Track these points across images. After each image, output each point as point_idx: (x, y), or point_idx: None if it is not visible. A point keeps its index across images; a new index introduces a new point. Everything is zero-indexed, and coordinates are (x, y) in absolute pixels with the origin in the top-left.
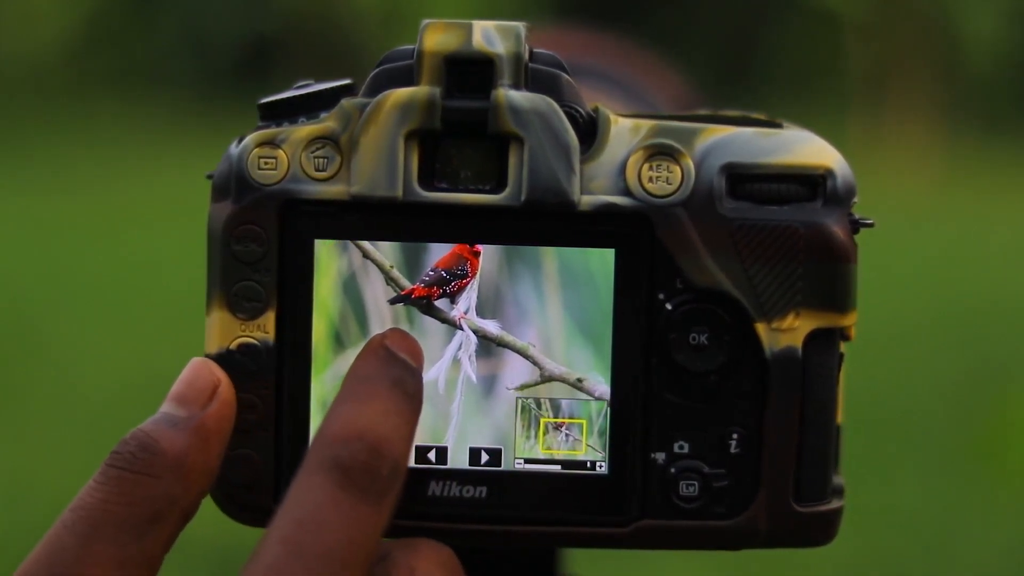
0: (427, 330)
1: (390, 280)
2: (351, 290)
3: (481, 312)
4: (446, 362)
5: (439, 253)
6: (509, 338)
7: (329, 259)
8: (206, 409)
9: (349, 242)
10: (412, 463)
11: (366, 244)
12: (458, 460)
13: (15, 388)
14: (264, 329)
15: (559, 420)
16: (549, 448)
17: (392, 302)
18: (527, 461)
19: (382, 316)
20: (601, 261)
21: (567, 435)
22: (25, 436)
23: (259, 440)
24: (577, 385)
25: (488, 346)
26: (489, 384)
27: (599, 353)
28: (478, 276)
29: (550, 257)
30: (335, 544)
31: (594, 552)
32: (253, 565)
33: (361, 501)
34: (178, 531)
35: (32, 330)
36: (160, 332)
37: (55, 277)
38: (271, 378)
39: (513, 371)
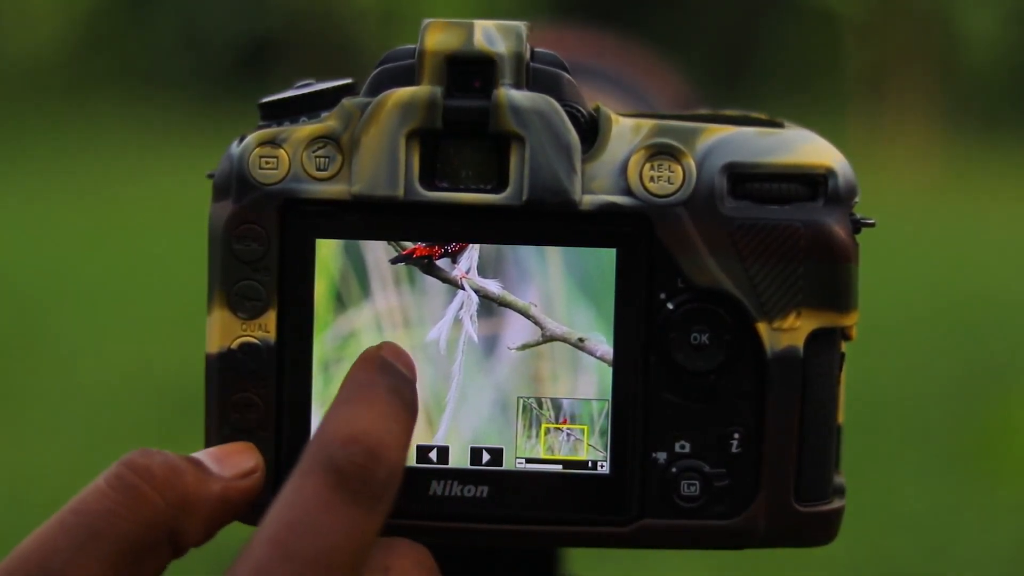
0: (428, 290)
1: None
2: (352, 249)
3: (482, 271)
4: (447, 322)
5: None
6: (510, 298)
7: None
8: (239, 480)
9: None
10: (413, 462)
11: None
12: (459, 460)
13: (16, 387)
14: (265, 328)
15: (559, 425)
16: (551, 449)
17: (393, 262)
18: (528, 461)
19: (383, 275)
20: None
21: (568, 435)
22: (26, 435)
23: (259, 440)
24: (579, 345)
25: (489, 306)
26: (491, 344)
27: (601, 313)
28: None
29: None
30: (325, 548)
31: (595, 552)
32: (241, 565)
33: (354, 505)
34: (160, 573)
35: (33, 329)
36: (160, 331)
37: (55, 276)
38: (272, 377)
39: (514, 331)
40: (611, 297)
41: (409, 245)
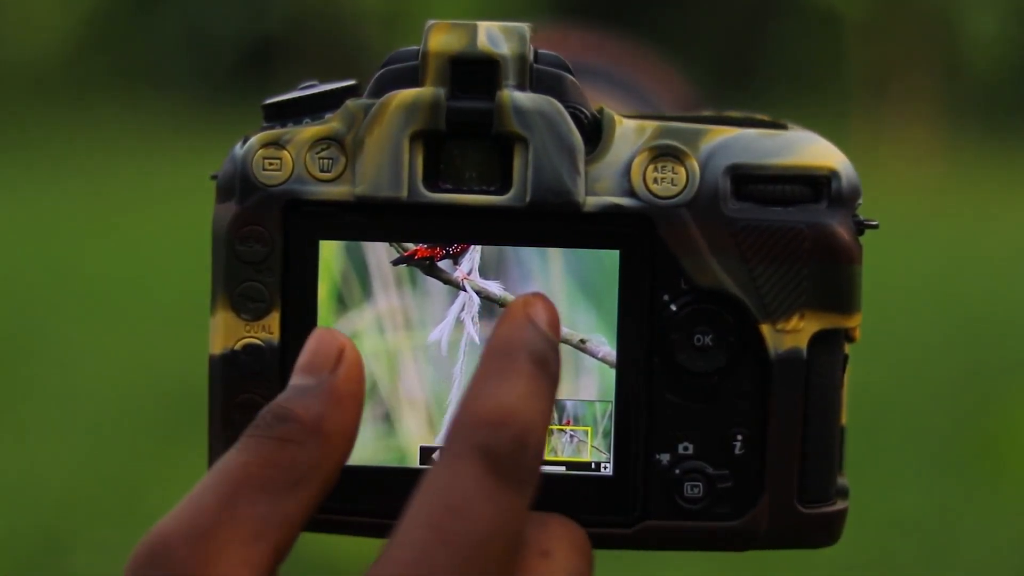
0: (430, 291)
1: (393, 242)
2: (353, 251)
3: (484, 273)
4: (449, 324)
5: None
6: (512, 299)
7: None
8: (335, 374)
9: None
10: (417, 463)
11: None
12: None
13: (15, 389)
14: (268, 330)
15: (562, 426)
16: (554, 450)
17: (395, 263)
18: None
19: (384, 276)
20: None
21: (571, 436)
22: (26, 436)
23: None
24: (580, 347)
25: (491, 307)
26: None
27: (602, 315)
28: None
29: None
30: (485, 533)
31: (598, 553)
32: (397, 549)
33: (508, 489)
34: (320, 498)
35: (33, 330)
36: (161, 333)
37: (56, 277)
38: (276, 379)
39: None
40: (614, 298)
41: (411, 246)
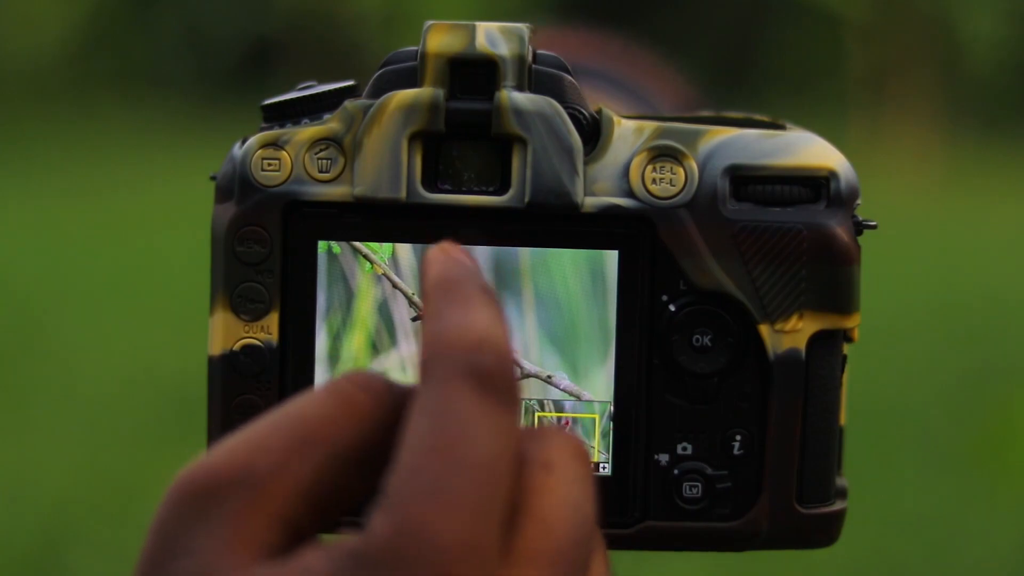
0: None
1: (412, 304)
2: (384, 311)
3: None
4: None
5: None
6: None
7: (367, 286)
8: None
9: (383, 276)
10: None
11: (394, 276)
12: None
13: (17, 388)
14: (267, 330)
15: (561, 413)
16: None
17: (414, 319)
18: None
19: (406, 329)
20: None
21: None
22: (27, 436)
23: None
24: (547, 380)
25: None
26: None
27: (564, 356)
28: None
29: (528, 286)
30: (490, 453)
31: None
32: (407, 479)
33: (502, 406)
34: (385, 462)
35: (34, 330)
36: (162, 333)
37: (56, 277)
38: (275, 379)
39: None
40: (576, 341)
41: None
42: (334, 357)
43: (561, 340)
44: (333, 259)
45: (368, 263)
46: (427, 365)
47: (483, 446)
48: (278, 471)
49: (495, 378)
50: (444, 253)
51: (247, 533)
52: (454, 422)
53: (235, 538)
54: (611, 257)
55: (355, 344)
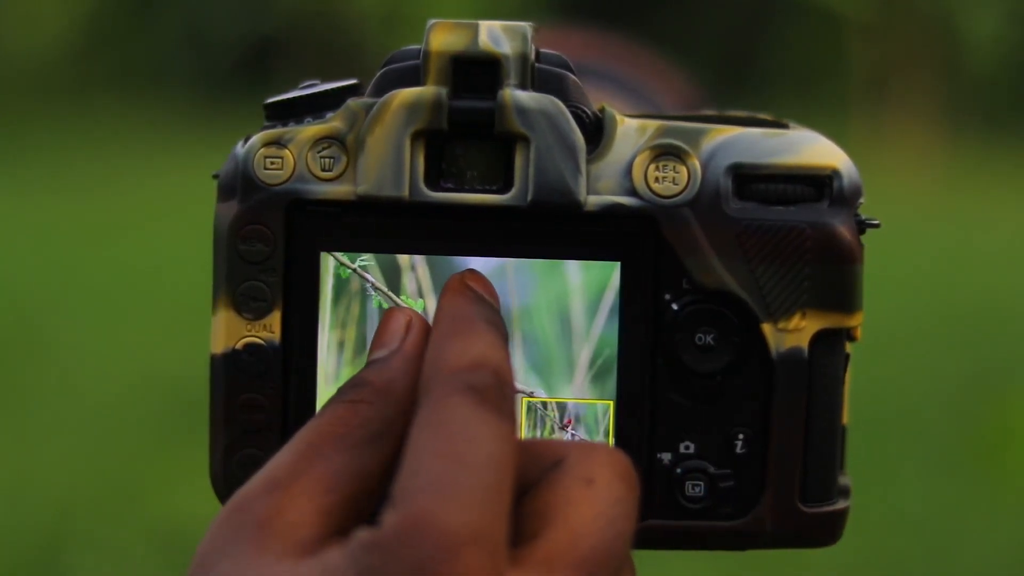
0: None
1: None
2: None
3: None
4: None
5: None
6: None
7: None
8: (404, 341)
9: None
10: None
11: (398, 300)
12: None
13: (16, 388)
14: (270, 329)
15: (564, 426)
16: None
17: None
18: None
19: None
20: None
21: (573, 435)
22: (26, 436)
23: (266, 440)
24: (529, 396)
25: None
26: None
27: (542, 377)
28: None
29: (517, 332)
30: (490, 452)
31: None
32: (415, 483)
33: (499, 416)
34: (396, 453)
35: (33, 330)
36: (161, 333)
37: (56, 277)
38: (278, 378)
39: None
40: (552, 363)
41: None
42: (337, 355)
43: (540, 364)
44: (341, 282)
45: (376, 297)
46: (426, 385)
47: (483, 446)
48: (296, 473)
49: (491, 391)
50: (461, 283)
51: (275, 534)
52: (454, 428)
53: (263, 540)
54: (599, 265)
55: (357, 343)
